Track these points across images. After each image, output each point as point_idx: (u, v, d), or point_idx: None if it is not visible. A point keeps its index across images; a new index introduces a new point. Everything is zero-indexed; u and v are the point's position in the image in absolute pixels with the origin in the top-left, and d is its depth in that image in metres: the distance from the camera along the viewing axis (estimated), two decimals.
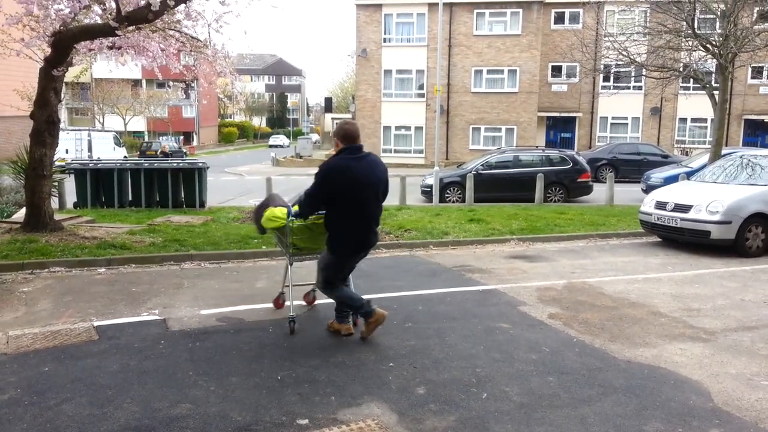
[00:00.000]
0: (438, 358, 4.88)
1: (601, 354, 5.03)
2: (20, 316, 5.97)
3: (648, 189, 15.99)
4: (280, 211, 5.40)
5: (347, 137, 5.17)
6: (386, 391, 4.26)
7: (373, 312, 5.20)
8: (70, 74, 11.30)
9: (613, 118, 33.36)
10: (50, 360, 4.79)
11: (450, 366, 4.71)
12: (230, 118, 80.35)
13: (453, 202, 16.83)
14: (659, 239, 10.56)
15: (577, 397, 4.19)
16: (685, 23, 15.40)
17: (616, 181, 17.19)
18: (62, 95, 9.92)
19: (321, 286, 5.36)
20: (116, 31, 8.24)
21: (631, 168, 23.92)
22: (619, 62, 18.17)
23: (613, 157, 24.72)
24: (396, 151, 33.04)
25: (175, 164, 14.48)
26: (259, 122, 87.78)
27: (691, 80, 20.92)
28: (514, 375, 4.55)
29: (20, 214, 10.76)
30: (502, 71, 31.69)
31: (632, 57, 16.69)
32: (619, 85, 30.16)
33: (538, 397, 4.17)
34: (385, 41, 32.55)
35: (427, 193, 17.29)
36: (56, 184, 12.43)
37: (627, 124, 33.37)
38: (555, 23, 33.02)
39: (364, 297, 5.38)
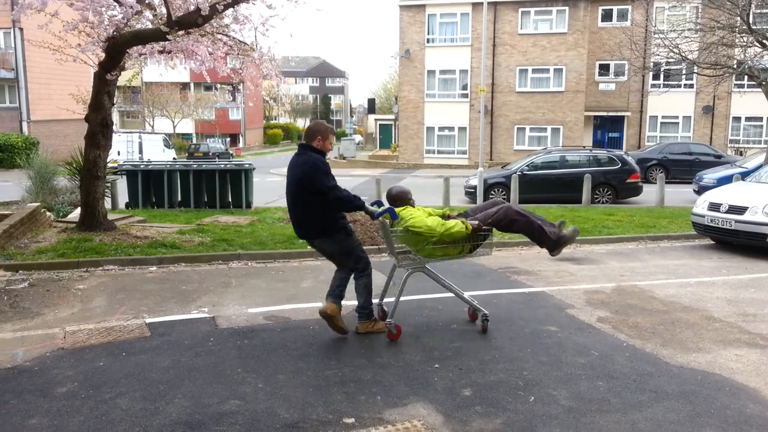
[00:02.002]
0: (484, 360, 4.85)
1: (653, 359, 4.90)
2: (76, 313, 6.18)
3: (700, 190, 15.52)
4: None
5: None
6: (432, 392, 4.25)
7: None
8: (122, 78, 11.65)
9: (663, 117, 32.49)
10: (105, 355, 4.94)
11: (496, 368, 4.67)
12: (275, 120, 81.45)
13: None
14: (712, 242, 10.23)
15: (627, 402, 4.10)
16: (739, 18, 14.91)
17: (666, 182, 16.75)
18: (115, 99, 10.22)
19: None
20: (167, 36, 8.45)
21: (682, 168, 23.26)
22: (670, 60, 17.72)
23: (663, 157, 24.09)
24: (439, 152, 32.95)
25: (222, 165, 14.77)
26: (303, 124, 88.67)
27: (746, 77, 20.22)
28: (562, 378, 4.48)
29: (75, 213, 11.14)
30: (547, 70, 31.24)
31: (683, 54, 16.26)
32: (669, 83, 29.37)
33: (587, 402, 4.09)
34: (428, 42, 32.48)
35: (471, 194, 17.17)
36: (109, 184, 12.82)
37: (678, 123, 32.45)
38: (602, 20, 32.37)
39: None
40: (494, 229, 5.59)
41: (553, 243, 5.68)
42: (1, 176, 24.13)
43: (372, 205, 5.42)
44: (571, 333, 5.53)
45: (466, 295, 5.91)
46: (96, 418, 3.86)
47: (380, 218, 5.24)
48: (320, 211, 5.15)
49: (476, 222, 5.35)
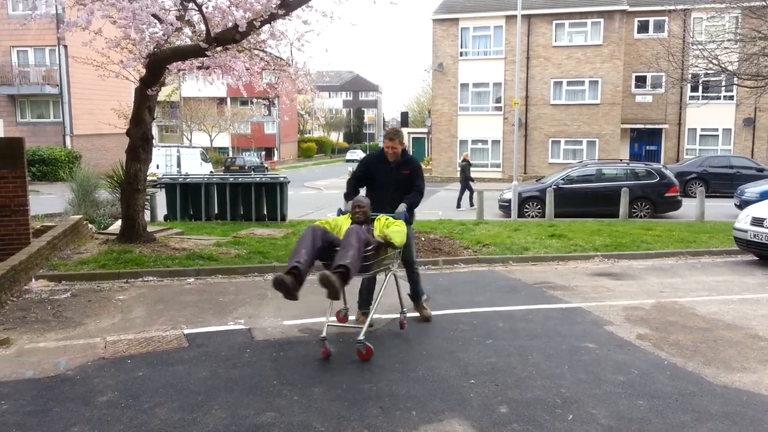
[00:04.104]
0: (521, 376, 4.78)
1: (695, 378, 4.78)
2: (116, 323, 6.30)
3: (742, 204, 15.13)
4: (397, 224, 5.64)
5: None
6: (468, 408, 4.20)
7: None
8: (162, 93, 11.92)
9: (702, 129, 31.84)
10: (144, 365, 5.03)
11: (533, 385, 4.60)
12: (309, 133, 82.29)
13: (532, 217, 16.52)
14: (756, 258, 9.95)
15: (669, 422, 3.99)
16: None
17: (706, 196, 16.36)
18: (155, 113, 10.45)
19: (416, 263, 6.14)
20: (206, 52, 8.63)
21: (722, 182, 22.74)
22: (709, 71, 17.36)
23: (703, 170, 23.60)
24: (472, 166, 32.77)
25: (257, 179, 14.96)
26: (336, 137, 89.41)
27: None
28: (601, 397, 4.39)
29: (116, 226, 11.40)
30: (582, 82, 30.95)
31: (723, 65, 15.91)
32: (708, 95, 28.79)
33: (627, 421, 4.00)
34: (461, 55, 32.50)
35: (505, 207, 17.05)
36: (148, 197, 13.07)
37: (717, 135, 31.75)
38: (638, 32, 31.97)
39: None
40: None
41: None
42: (46, 189, 24.86)
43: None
44: (609, 350, 5.42)
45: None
46: (135, 427, 3.92)
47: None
48: None
49: None
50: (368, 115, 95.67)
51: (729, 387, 4.60)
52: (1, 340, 5.56)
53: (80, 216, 11.45)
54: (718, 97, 29.81)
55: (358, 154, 70.77)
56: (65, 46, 30.23)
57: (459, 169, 22.56)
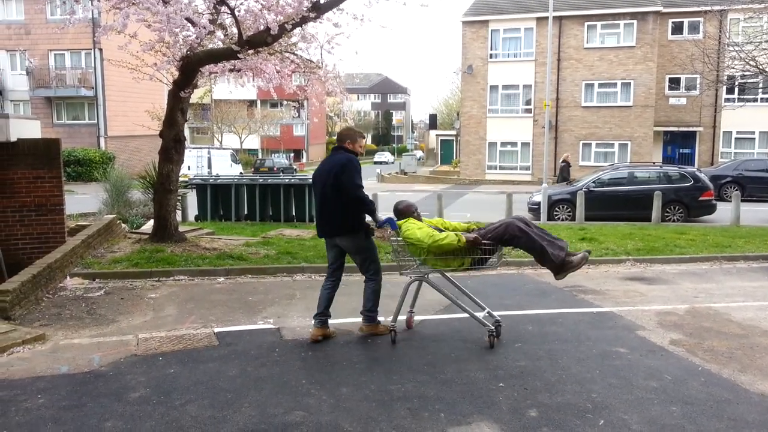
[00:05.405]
0: (550, 380, 4.73)
1: (730, 385, 4.67)
2: (148, 321, 6.41)
3: None
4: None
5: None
6: (497, 411, 4.17)
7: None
8: (194, 96, 12.06)
9: (738, 132, 31.12)
10: (175, 362, 5.10)
11: (563, 389, 4.55)
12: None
13: (562, 220, 16.33)
14: None
15: (704, 429, 3.91)
16: None
17: (742, 200, 15.98)
18: (187, 115, 10.59)
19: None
20: (238, 55, 8.73)
21: (759, 186, 22.19)
22: (746, 73, 16.97)
23: (738, 174, 23.06)
24: (501, 168, 32.59)
25: (286, 180, 15.08)
26: (365, 140, 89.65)
27: None
28: (633, 402, 4.32)
29: (148, 225, 11.59)
30: (614, 84, 30.52)
31: (761, 67, 15.54)
32: (745, 97, 28.14)
33: (660, 427, 3.93)
34: (491, 57, 32.32)
35: (534, 210, 16.89)
36: (180, 198, 13.25)
37: (754, 139, 31.00)
38: (672, 33, 31.40)
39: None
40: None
41: (556, 266, 5.41)
42: (80, 189, 25.39)
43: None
44: (642, 355, 5.33)
45: (480, 314, 5.82)
46: (166, 423, 3.98)
47: (387, 228, 5.59)
48: (350, 208, 5.50)
49: (472, 235, 5.41)
50: (396, 117, 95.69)
51: (766, 395, 4.49)
52: (37, 336, 5.69)
53: (114, 215, 11.67)
54: (755, 100, 29.13)
55: (386, 156, 70.84)
56: (100, 50, 30.87)
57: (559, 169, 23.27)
